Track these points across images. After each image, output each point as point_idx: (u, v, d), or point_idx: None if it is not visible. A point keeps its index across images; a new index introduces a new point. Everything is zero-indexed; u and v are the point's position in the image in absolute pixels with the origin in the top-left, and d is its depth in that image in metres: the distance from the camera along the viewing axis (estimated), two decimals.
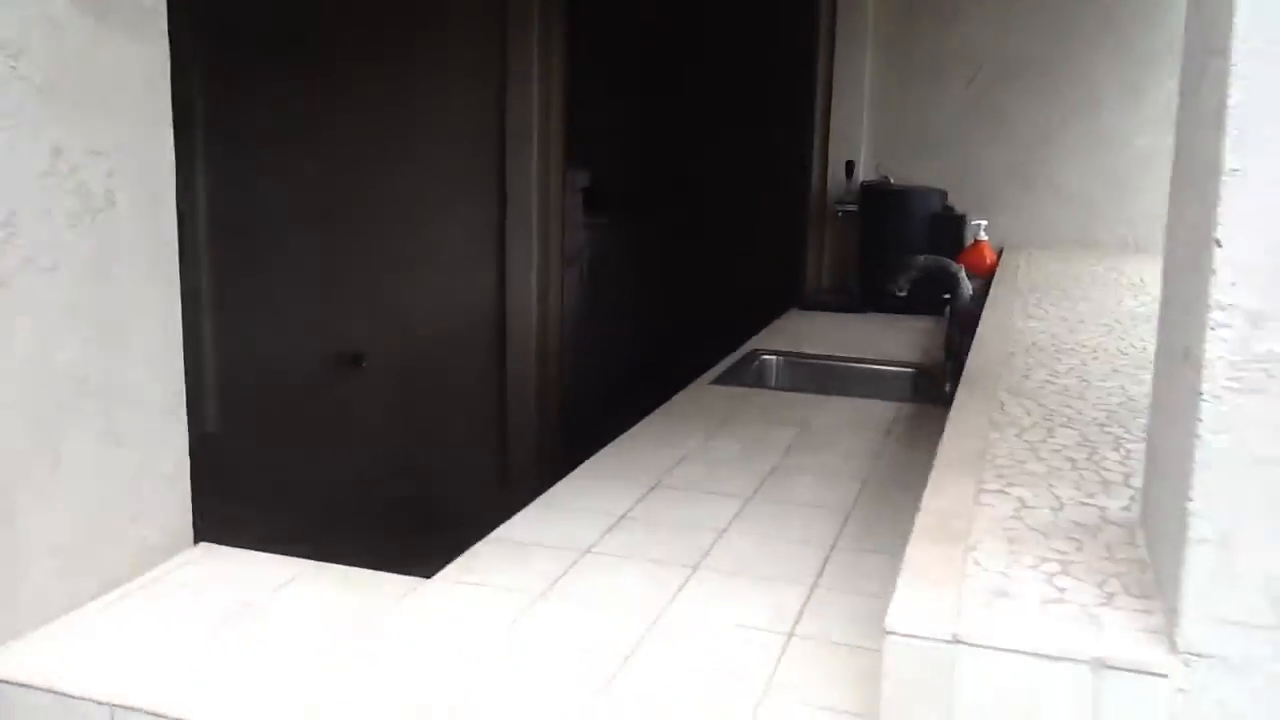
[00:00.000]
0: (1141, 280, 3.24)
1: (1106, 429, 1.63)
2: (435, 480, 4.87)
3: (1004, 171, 3.96)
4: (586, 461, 2.16)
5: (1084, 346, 2.24)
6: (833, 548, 1.77)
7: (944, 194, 3.85)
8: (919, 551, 1.19)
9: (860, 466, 2.18)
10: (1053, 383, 1.92)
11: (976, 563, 1.15)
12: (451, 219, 4.65)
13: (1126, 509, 1.30)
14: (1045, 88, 3.88)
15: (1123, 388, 1.89)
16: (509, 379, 4.77)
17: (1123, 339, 2.33)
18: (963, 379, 1.96)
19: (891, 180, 3.92)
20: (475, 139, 4.48)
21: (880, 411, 2.59)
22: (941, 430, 2.39)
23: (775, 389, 2.79)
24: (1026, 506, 1.30)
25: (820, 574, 1.66)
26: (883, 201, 3.86)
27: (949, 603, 1.06)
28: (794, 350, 3.21)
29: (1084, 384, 1.92)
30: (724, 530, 1.83)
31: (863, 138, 4.03)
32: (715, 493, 2.00)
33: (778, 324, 3.62)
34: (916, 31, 3.95)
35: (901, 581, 1.11)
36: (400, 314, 4.83)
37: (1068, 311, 2.66)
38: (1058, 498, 1.33)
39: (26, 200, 1.35)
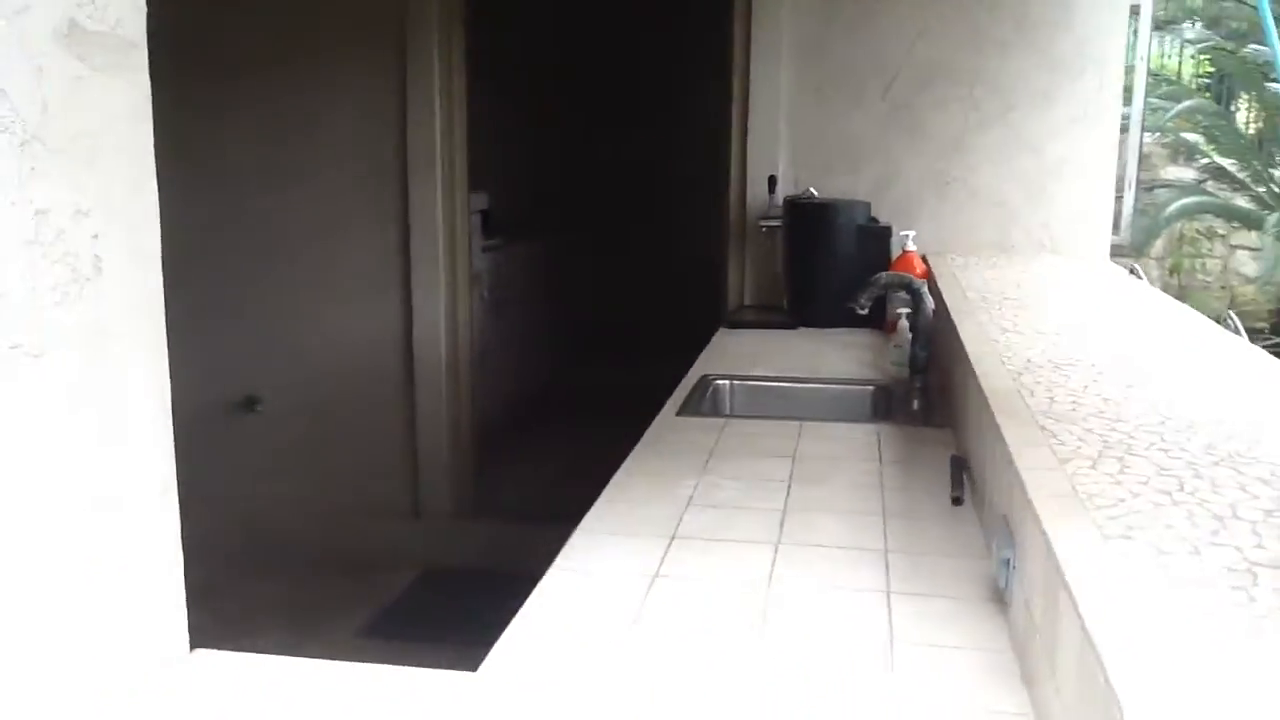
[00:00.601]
0: (1088, 289, 3.27)
1: (1172, 454, 1.58)
2: (345, 521, 4.61)
3: (922, 180, 3.97)
4: (589, 515, 2.01)
5: (1080, 360, 2.21)
6: (889, 593, 1.67)
7: (868, 205, 3.83)
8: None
9: (871, 500, 2.09)
10: (1081, 404, 1.87)
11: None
12: (351, 247, 4.40)
13: (1260, 547, 1.23)
14: (960, 95, 3.90)
15: (1154, 406, 1.85)
16: (419, 409, 4.56)
17: (1110, 349, 2.31)
18: (989, 403, 1.89)
19: (815, 194, 3.87)
20: (375, 164, 4.26)
21: (862, 437, 2.52)
22: (932, 452, 2.38)
23: (742, 416, 2.69)
24: (1163, 553, 1.22)
25: (890, 627, 1.56)
26: (808, 216, 3.81)
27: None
28: (745, 374, 3.12)
29: (1109, 403, 1.87)
30: (769, 581, 1.71)
31: (781, 151, 3.97)
32: (740, 540, 1.88)
33: (714, 345, 3.52)
34: (831, 42, 3.92)
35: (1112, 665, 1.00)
36: (298, 349, 4.55)
37: (1037, 321, 2.63)
38: (1188, 541, 1.26)
39: (9, 275, 1.14)
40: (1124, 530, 1.29)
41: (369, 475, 4.64)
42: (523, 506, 4.83)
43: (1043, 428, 1.73)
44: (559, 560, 1.80)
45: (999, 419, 1.79)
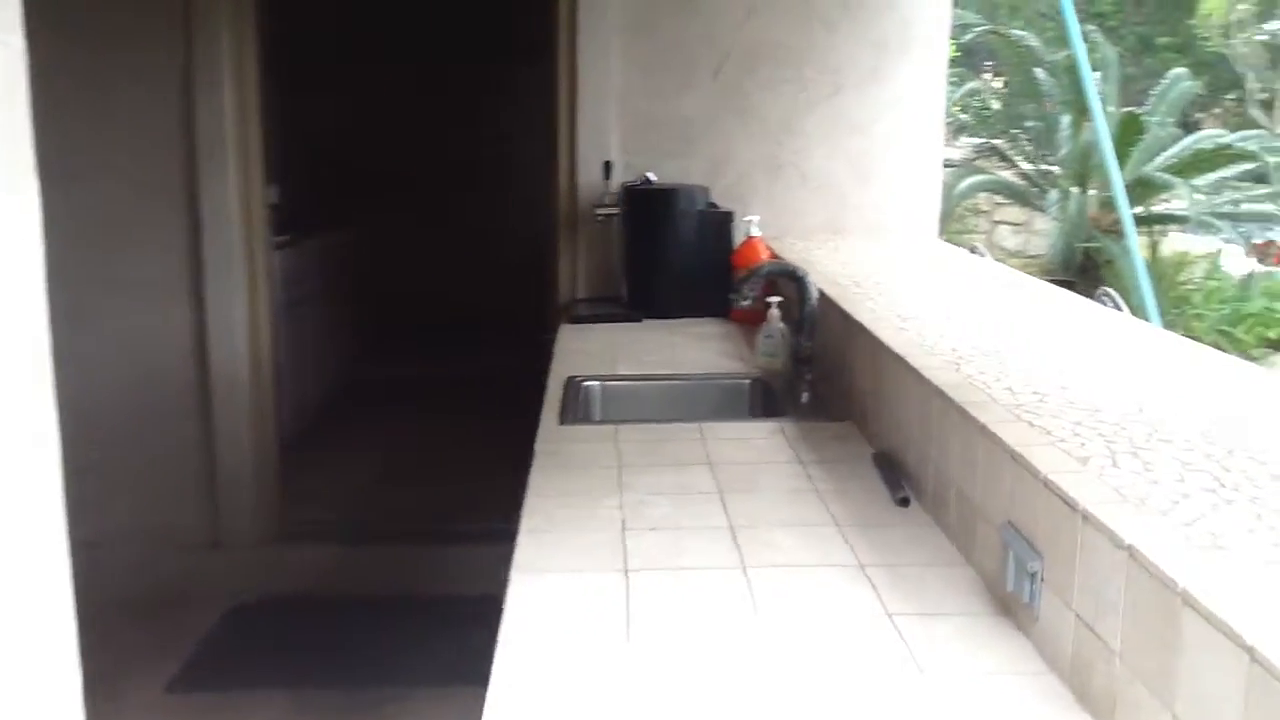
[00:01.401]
0: (941, 269, 3.24)
1: (1179, 446, 1.50)
2: (136, 556, 4.09)
3: (755, 163, 3.87)
4: (518, 551, 1.75)
5: (1004, 347, 2.13)
6: (890, 615, 1.51)
7: (707, 190, 3.69)
8: None
9: (814, 507, 1.94)
10: (1044, 394, 1.78)
11: None
12: (135, 245, 3.89)
13: None
14: (790, 76, 3.82)
15: (1118, 393, 1.78)
16: (216, 425, 4.10)
17: (1025, 334, 2.25)
18: (952, 398, 1.76)
19: (653, 179, 3.70)
20: (158, 152, 3.76)
21: (767, 436, 2.37)
22: (848, 449, 2.25)
23: (632, 421, 2.48)
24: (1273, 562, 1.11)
25: (913, 656, 1.40)
26: (647, 202, 3.63)
27: None
28: (610, 373, 2.91)
29: (1070, 391, 1.80)
30: (755, 612, 1.52)
31: (612, 134, 3.78)
32: (701, 567, 1.68)
33: (563, 343, 3.29)
34: (660, 19, 3.75)
35: None
36: (75, 361, 3.99)
37: (924, 306, 2.56)
38: (1275, 544, 1.16)
39: None
40: (1210, 538, 1.18)
41: (162, 501, 4.14)
42: (338, 524, 4.45)
43: (1030, 424, 1.62)
44: (511, 613, 1.55)
45: (976, 415, 1.66)
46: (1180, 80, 7.51)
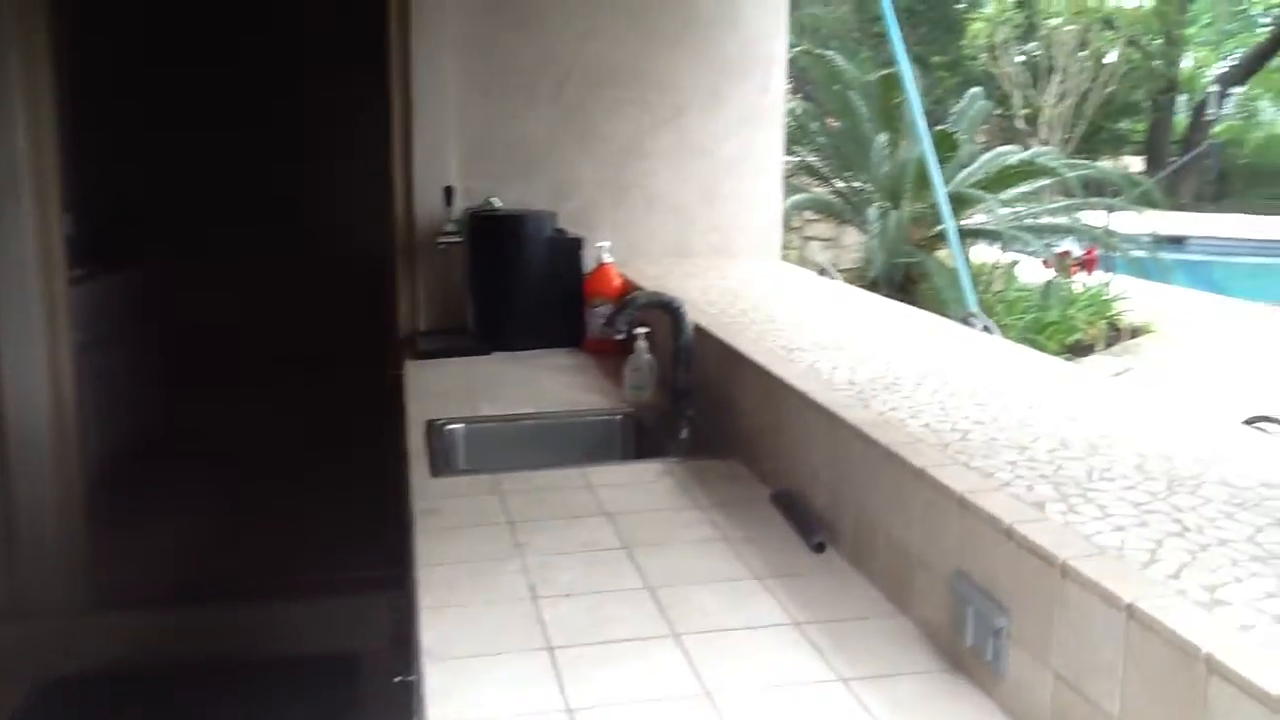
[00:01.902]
0: (799, 292, 3.21)
1: (1122, 483, 1.47)
2: None
3: (600, 186, 3.76)
4: (424, 641, 1.57)
5: (903, 378, 2.09)
6: (845, 681, 1.42)
7: (555, 216, 3.56)
8: None
9: (729, 559, 1.84)
10: (965, 430, 1.73)
11: None
12: None
13: None
14: (632, 97, 3.73)
15: (1034, 426, 1.75)
16: (13, 484, 3.68)
17: (916, 363, 2.22)
18: (874, 439, 1.69)
19: (498, 204, 3.54)
20: None
21: (656, 479, 2.25)
22: (742, 490, 2.16)
23: (509, 469, 2.31)
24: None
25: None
26: (492, 229, 3.47)
27: None
28: (473, 414, 2.74)
29: (990, 426, 1.76)
30: (709, 696, 1.40)
31: (450, 159, 3.59)
32: (632, 638, 1.55)
33: (413, 382, 3.10)
34: (497, 39, 3.59)
35: None
36: None
37: (800, 335, 2.50)
38: (1268, 592, 1.12)
39: None
40: (1205, 592, 1.13)
41: None
42: (159, 586, 4.08)
43: (967, 465, 1.56)
44: (434, 716, 1.37)
45: (910, 459, 1.59)
46: (977, 99, 7.87)
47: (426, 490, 2.20)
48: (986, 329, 3.33)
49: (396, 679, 1.73)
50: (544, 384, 3.05)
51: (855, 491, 1.79)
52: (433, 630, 1.58)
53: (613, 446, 2.71)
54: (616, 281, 3.42)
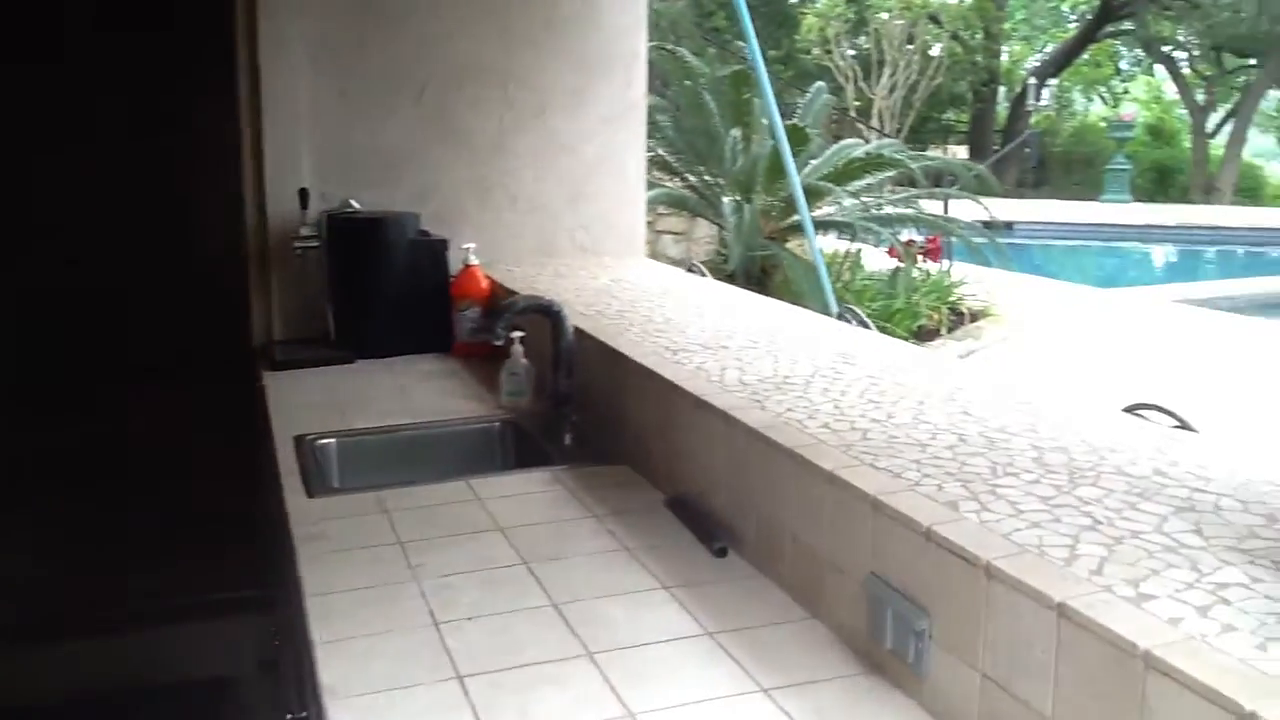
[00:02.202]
0: (669, 290, 3.19)
1: (1026, 475, 1.49)
2: None
3: (463, 187, 3.66)
4: (323, 679, 1.48)
5: (794, 375, 2.09)
6: (767, 691, 1.40)
7: (418, 218, 3.45)
8: None
9: (632, 569, 1.80)
10: (866, 429, 1.74)
11: None
12: None
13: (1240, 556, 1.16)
14: (495, 96, 3.64)
15: (927, 421, 1.77)
16: None
17: (801, 358, 2.22)
18: (779, 446, 1.68)
19: (357, 207, 3.41)
20: None
21: (545, 487, 2.20)
22: (636, 496, 2.13)
23: (390, 485, 2.21)
24: (1212, 606, 1.09)
25: None
26: (352, 233, 3.34)
27: None
28: (345, 427, 2.63)
29: (885, 424, 1.77)
30: (638, 718, 1.36)
31: (306, 161, 3.44)
32: (546, 660, 1.50)
33: (274, 394, 2.95)
34: (354, 40, 3.45)
35: None
36: None
37: (682, 334, 2.48)
38: (1186, 583, 1.15)
39: None
40: (1129, 587, 1.15)
41: None
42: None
43: (873, 466, 1.56)
44: None
45: (817, 462, 1.59)
46: (821, 92, 8.04)
47: (305, 512, 2.09)
48: (863, 324, 3.39)
49: (288, 718, 1.64)
50: (415, 392, 2.95)
51: (757, 495, 1.78)
52: (331, 666, 1.50)
53: (493, 455, 2.64)
54: (484, 284, 3.34)
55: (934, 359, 2.29)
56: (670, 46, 7.24)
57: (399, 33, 3.50)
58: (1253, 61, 22.20)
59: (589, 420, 2.48)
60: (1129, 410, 1.85)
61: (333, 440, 2.55)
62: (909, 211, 7.13)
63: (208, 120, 3.70)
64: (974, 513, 1.37)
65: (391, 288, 3.34)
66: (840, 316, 3.08)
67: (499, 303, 3.19)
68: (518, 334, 2.72)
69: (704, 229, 8.24)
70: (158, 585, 3.62)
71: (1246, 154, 22.04)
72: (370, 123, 3.50)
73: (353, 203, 3.40)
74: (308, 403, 2.86)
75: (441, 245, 3.41)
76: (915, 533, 1.36)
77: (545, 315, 2.50)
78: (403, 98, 3.53)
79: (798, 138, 6.13)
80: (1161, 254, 15.06)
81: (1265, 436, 5.35)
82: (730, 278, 5.33)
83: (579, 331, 2.55)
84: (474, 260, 3.34)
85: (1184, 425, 1.78)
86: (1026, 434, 1.70)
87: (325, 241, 3.36)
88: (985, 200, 7.89)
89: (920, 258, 7.45)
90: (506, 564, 1.82)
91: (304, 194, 3.37)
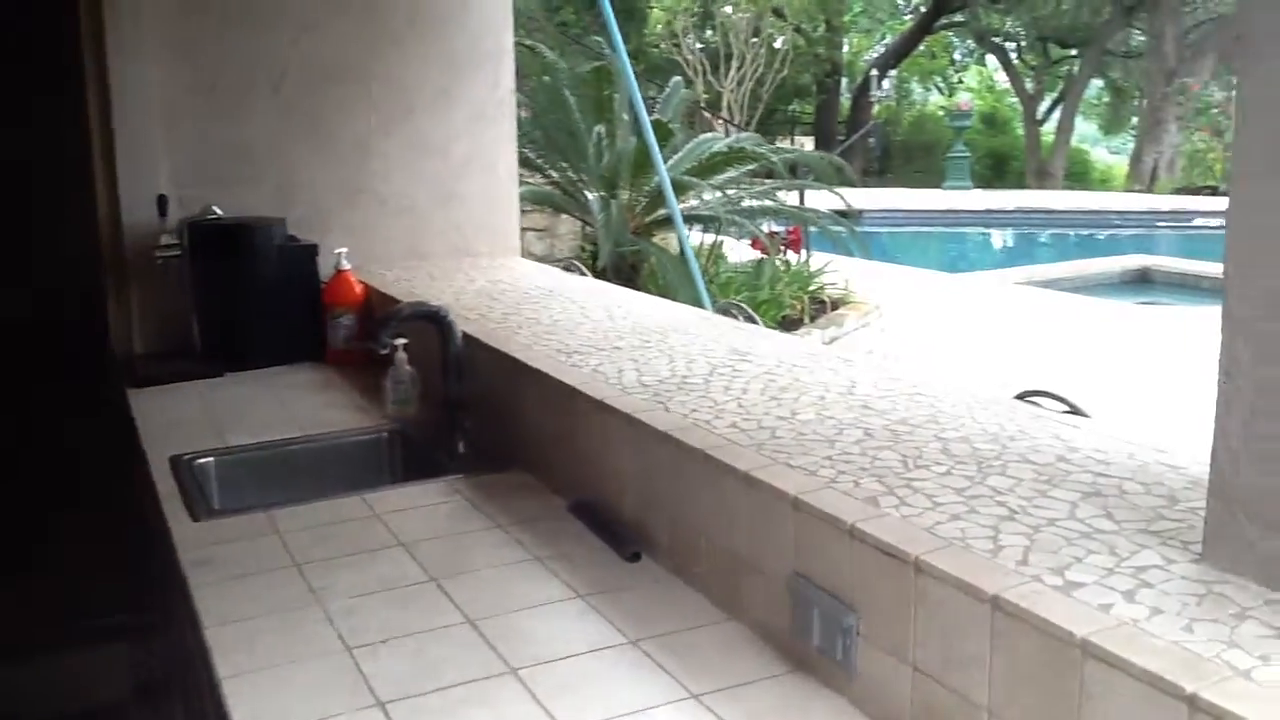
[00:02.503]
0: (551, 290, 3.16)
1: (935, 467, 1.52)
2: None
3: (329, 189, 3.55)
4: (229, 702, 1.42)
5: (693, 372, 2.09)
6: (697, 697, 1.40)
7: (284, 222, 3.33)
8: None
9: (544, 578, 1.77)
10: (775, 431, 1.74)
11: None
12: None
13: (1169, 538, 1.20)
14: (359, 95, 3.54)
15: (831, 415, 1.79)
16: None
17: (681, 357, 2.22)
18: (689, 448, 1.68)
19: (220, 212, 3.26)
20: None
21: (444, 498, 2.15)
22: (538, 503, 2.09)
23: (282, 504, 2.11)
24: (1135, 589, 1.13)
25: None
26: (218, 240, 3.20)
27: None
28: (224, 445, 2.52)
29: (790, 422, 1.78)
30: None
31: (161, 164, 3.28)
32: (469, 680, 1.46)
33: (142, 413, 2.81)
34: (208, 35, 3.30)
35: None
36: None
37: (571, 336, 2.46)
38: (1108, 568, 1.19)
39: None
40: (1056, 576, 1.18)
41: None
42: None
43: (789, 465, 1.57)
44: None
45: (731, 463, 1.59)
46: (679, 87, 8.09)
47: (191, 537, 1.99)
48: (750, 319, 3.41)
49: None
50: (293, 405, 2.85)
51: (667, 498, 1.77)
52: (241, 704, 1.42)
53: (382, 467, 2.57)
54: (357, 289, 3.25)
55: (825, 352, 2.32)
56: (529, 42, 7.18)
57: (256, 29, 3.37)
58: (1075, 52, 23.33)
59: (482, 427, 2.43)
60: (1021, 397, 1.90)
61: (211, 459, 2.44)
62: (770, 203, 7.24)
63: (51, 121, 3.49)
64: (894, 508, 1.39)
65: (260, 296, 3.22)
66: (725, 312, 3.10)
67: (378, 309, 3.11)
68: (400, 341, 2.65)
69: (568, 225, 8.21)
70: (21, 614, 3.42)
71: (1074, 140, 23.15)
72: (229, 124, 3.37)
73: (215, 209, 3.26)
74: (179, 420, 2.73)
75: (311, 251, 3.30)
76: (839, 530, 1.37)
77: (432, 322, 2.44)
78: (261, 97, 3.40)
79: (661, 133, 6.16)
80: (1001, 238, 15.70)
81: (1144, 414, 5.63)
82: (601, 274, 5.32)
83: (468, 337, 2.50)
84: (346, 265, 3.24)
85: (1074, 410, 1.85)
86: (929, 425, 1.73)
87: (188, 250, 3.21)
88: (840, 190, 8.08)
89: (783, 248, 7.59)
90: (414, 581, 1.77)
91: (163, 200, 3.22)
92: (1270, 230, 1.08)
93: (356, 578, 1.79)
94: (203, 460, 2.43)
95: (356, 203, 3.60)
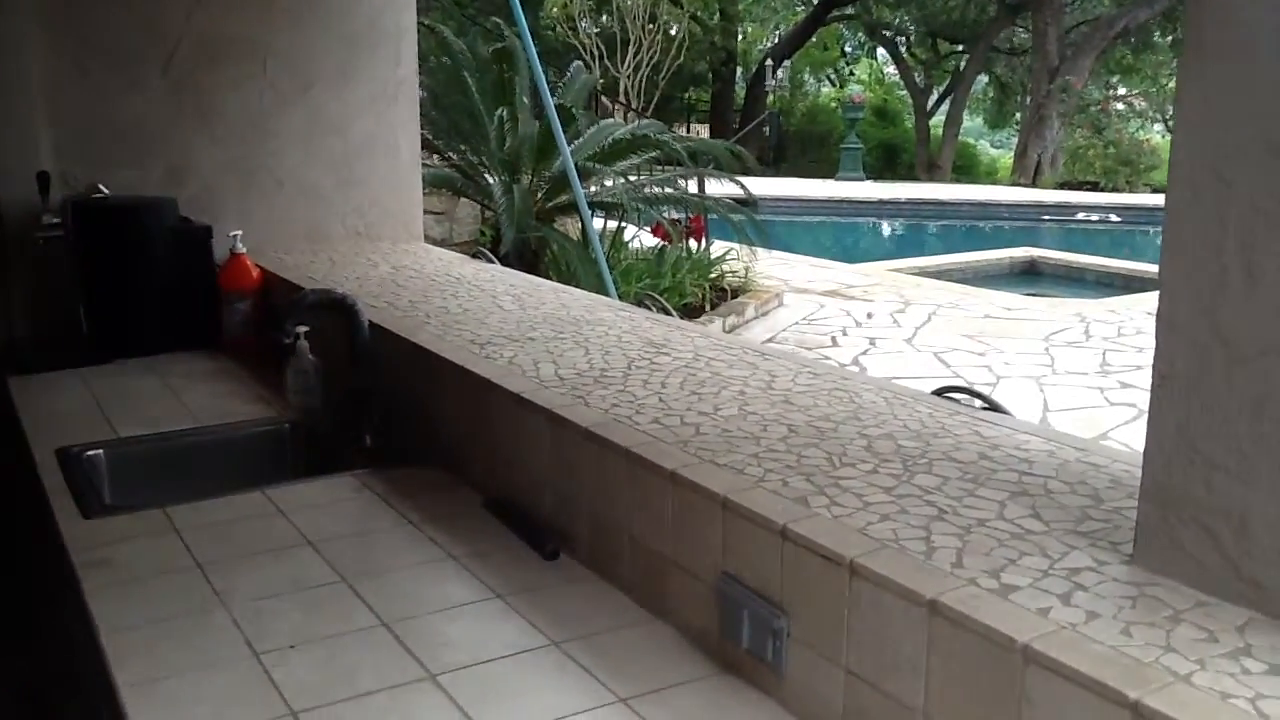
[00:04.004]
0: (459, 277, 3.09)
1: (859, 471, 1.51)
2: None
3: (222, 169, 3.40)
4: (130, 712, 1.34)
5: (611, 366, 2.05)
6: (626, 701, 1.37)
7: (174, 202, 3.19)
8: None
9: (461, 578, 1.72)
10: (699, 428, 1.72)
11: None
12: None
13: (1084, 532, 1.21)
14: (253, 72, 3.40)
15: (745, 412, 1.77)
16: None
17: (597, 349, 2.18)
18: (614, 445, 1.64)
19: (106, 191, 3.11)
20: None
21: (353, 494, 2.08)
22: (451, 498, 2.03)
23: (179, 501, 2.00)
24: (1072, 592, 1.13)
25: None
26: (103, 220, 3.05)
27: None
28: (117, 437, 2.40)
29: (713, 418, 1.76)
30: None
31: (42, 141, 3.10)
32: (384, 688, 1.41)
33: (23, 403, 2.66)
34: (94, 9, 3.13)
35: None
36: None
37: (483, 325, 2.40)
38: (1042, 570, 1.19)
39: None
40: (991, 579, 1.18)
41: None
42: None
43: (715, 463, 1.55)
44: None
45: (659, 462, 1.56)
46: (581, 72, 8.02)
47: (82, 536, 1.88)
48: (664, 310, 3.38)
49: None
50: (188, 394, 2.73)
51: (589, 495, 1.73)
52: (142, 715, 1.35)
53: (284, 460, 2.47)
54: (254, 274, 3.14)
55: (740, 344, 2.30)
56: (428, 22, 7.03)
57: (142, 3, 3.20)
58: (962, 48, 23.88)
59: (391, 420, 2.36)
60: (939, 393, 1.91)
61: (101, 451, 2.32)
62: (673, 191, 7.23)
63: None
64: (824, 507, 1.38)
65: (151, 280, 3.08)
66: (640, 303, 3.07)
67: (276, 295, 3.01)
68: (301, 329, 2.56)
69: (467, 209, 8.08)
70: None
71: (962, 134, 23.70)
72: (116, 100, 3.21)
73: (102, 187, 3.11)
74: (65, 410, 2.60)
75: (205, 233, 3.17)
76: (770, 531, 1.35)
77: (338, 310, 2.36)
78: (149, 71, 3.24)
79: (564, 117, 6.09)
80: (893, 228, 15.99)
81: (1051, 406, 5.76)
82: (503, 259, 5.24)
83: (374, 326, 2.42)
84: (242, 248, 3.12)
85: (993, 406, 1.87)
86: (851, 422, 1.73)
87: (71, 230, 3.05)
88: (739, 179, 8.11)
89: (684, 236, 7.58)
90: (324, 582, 1.70)
91: (43, 177, 3.05)
92: (1204, 237, 1.09)
93: (262, 578, 1.71)
94: (92, 453, 2.31)
95: (252, 183, 3.47)
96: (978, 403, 1.89)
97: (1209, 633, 1.06)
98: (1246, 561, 1.09)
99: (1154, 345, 1.16)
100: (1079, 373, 6.42)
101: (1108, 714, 0.97)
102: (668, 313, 3.21)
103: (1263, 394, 1.05)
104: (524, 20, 5.02)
